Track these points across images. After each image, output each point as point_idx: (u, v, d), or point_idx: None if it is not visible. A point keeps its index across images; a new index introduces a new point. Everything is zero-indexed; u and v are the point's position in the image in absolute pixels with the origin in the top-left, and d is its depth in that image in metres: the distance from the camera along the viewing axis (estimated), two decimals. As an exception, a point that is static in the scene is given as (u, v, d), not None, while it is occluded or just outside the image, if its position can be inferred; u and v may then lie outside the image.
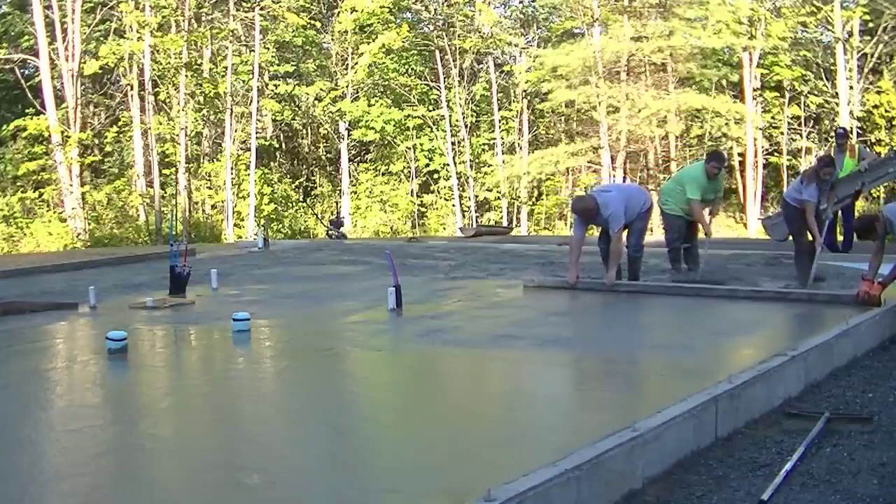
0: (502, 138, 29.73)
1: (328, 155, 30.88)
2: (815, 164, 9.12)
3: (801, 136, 26.96)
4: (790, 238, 9.43)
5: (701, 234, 9.43)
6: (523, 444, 3.84)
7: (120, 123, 26.12)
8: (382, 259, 10.57)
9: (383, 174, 29.16)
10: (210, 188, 26.06)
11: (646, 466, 3.54)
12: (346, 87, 28.26)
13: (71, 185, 23.13)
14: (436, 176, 29.48)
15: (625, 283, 8.75)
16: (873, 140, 24.56)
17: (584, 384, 5.26)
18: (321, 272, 11.35)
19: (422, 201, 28.93)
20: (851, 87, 25.16)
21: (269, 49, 27.55)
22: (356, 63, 27.90)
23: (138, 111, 24.91)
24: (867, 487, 3.53)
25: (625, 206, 8.70)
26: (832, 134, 18.78)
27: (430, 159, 29.23)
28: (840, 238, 12.12)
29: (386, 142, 29.10)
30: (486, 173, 29.35)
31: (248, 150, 26.06)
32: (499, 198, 28.93)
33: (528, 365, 5.61)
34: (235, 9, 26.25)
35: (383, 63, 28.11)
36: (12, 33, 26.40)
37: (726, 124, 26.24)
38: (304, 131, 30.81)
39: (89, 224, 22.95)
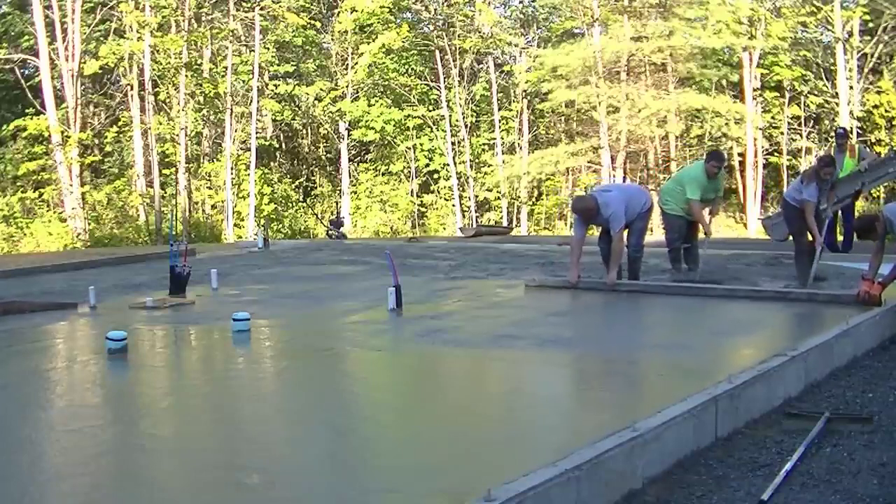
0: (502, 138, 29.73)
1: (328, 155, 30.88)
2: (816, 164, 9.12)
3: (801, 136, 26.96)
4: (790, 238, 9.44)
5: (701, 234, 9.44)
6: (523, 444, 3.84)
7: (120, 123, 26.13)
8: (382, 259, 10.57)
9: (383, 174, 29.16)
10: (210, 188, 26.06)
11: (646, 466, 3.54)
12: (346, 87, 28.27)
13: (71, 185, 23.13)
14: (436, 176, 29.48)
15: (626, 283, 8.75)
16: (873, 140, 24.56)
17: (584, 384, 5.26)
18: (321, 272, 11.35)
19: (422, 201, 28.93)
20: (851, 87, 25.16)
21: (269, 49, 27.55)
22: (356, 63, 27.90)
23: (138, 111, 24.92)
24: (867, 487, 3.53)
25: (625, 206, 8.70)
26: (832, 134, 18.77)
27: (430, 159, 29.24)
28: (840, 238, 12.12)
29: (386, 142, 29.10)
30: (486, 173, 29.35)
31: (248, 150, 26.06)
32: (499, 198, 28.93)
33: (528, 365, 5.61)
34: (235, 9, 26.25)
35: (383, 63, 28.11)
36: (12, 33, 26.40)
37: (726, 124, 26.25)
38: (304, 131, 30.81)
39: (89, 224, 22.96)
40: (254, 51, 26.25)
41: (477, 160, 29.65)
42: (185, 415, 4.62)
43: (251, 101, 26.08)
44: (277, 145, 30.14)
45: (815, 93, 26.10)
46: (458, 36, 28.38)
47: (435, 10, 29.73)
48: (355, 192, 28.73)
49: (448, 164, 28.60)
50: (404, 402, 4.96)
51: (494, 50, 29.83)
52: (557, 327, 6.94)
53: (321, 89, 28.08)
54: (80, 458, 3.77)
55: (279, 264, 12.52)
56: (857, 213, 12.29)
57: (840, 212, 11.49)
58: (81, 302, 8.53)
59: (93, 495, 3.33)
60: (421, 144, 29.01)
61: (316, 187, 29.85)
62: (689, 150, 28.41)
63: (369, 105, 28.25)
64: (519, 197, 28.95)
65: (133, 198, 24.65)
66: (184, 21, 25.12)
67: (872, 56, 24.87)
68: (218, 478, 3.47)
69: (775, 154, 27.97)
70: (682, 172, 10.46)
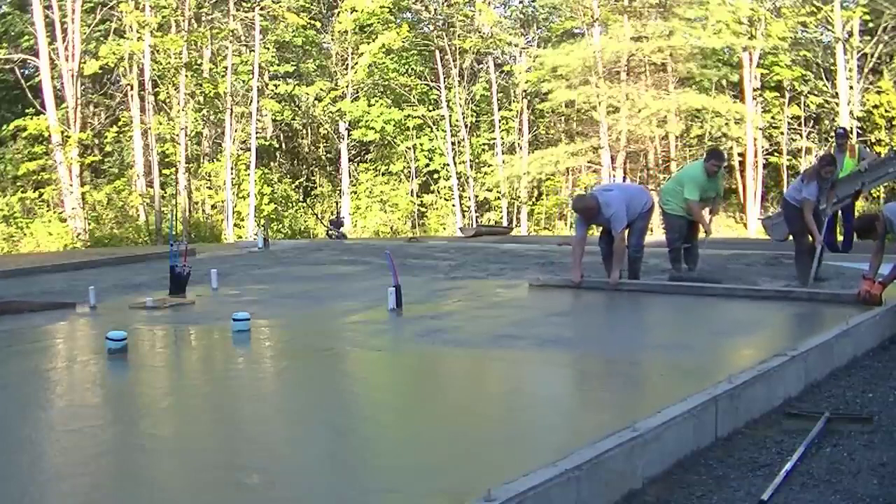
0: (502, 138, 29.73)
1: (328, 155, 30.88)
2: (817, 163, 9.13)
3: (801, 136, 26.97)
4: (790, 238, 9.44)
5: (701, 234, 9.44)
6: (523, 444, 3.84)
7: (120, 123, 26.13)
8: (382, 259, 10.57)
9: (383, 174, 29.17)
10: (210, 188, 26.06)
11: (646, 466, 3.54)
12: (346, 87, 28.27)
13: (71, 185, 23.13)
14: (436, 176, 29.49)
15: (628, 283, 8.75)
16: (873, 140, 24.56)
17: (584, 384, 5.26)
18: (321, 272, 11.35)
19: (422, 201, 28.93)
20: (851, 87, 25.16)
21: (269, 49, 27.55)
22: (356, 63, 27.90)
23: (138, 111, 24.92)
24: (867, 487, 3.53)
25: (626, 206, 8.69)
26: (832, 134, 18.78)
27: (430, 159, 29.24)
28: (840, 238, 12.12)
29: (386, 142, 29.10)
30: (486, 173, 29.36)
31: (248, 150, 26.06)
32: (499, 198, 28.94)
33: (528, 365, 5.61)
34: (235, 9, 26.25)
35: (383, 63, 28.11)
36: (12, 33, 26.41)
37: (726, 124, 26.25)
38: (304, 131, 30.81)
39: (89, 224, 22.96)
40: (254, 51, 26.25)
41: (477, 160, 29.65)
42: (185, 415, 4.62)
43: (251, 101, 26.08)
44: (277, 145, 30.14)
45: (815, 93, 26.10)
46: (458, 36, 28.39)
47: (435, 10, 29.73)
48: (355, 192, 28.73)
49: (448, 164, 28.60)
50: (404, 402, 4.96)
51: (494, 50, 29.83)
52: (558, 327, 6.94)
53: (321, 89, 28.09)
54: (80, 458, 3.77)
55: (279, 264, 12.52)
56: (857, 213, 12.29)
57: (840, 212, 11.49)
58: (81, 302, 8.53)
59: (93, 495, 3.33)
60: (421, 144, 29.01)
61: (316, 187, 29.86)
62: (689, 150, 28.41)
63: (369, 105, 28.26)
64: (519, 197, 28.96)
65: (133, 198, 24.66)
66: (184, 21, 25.12)
67: (872, 56, 24.87)
68: (218, 478, 3.47)
69: (775, 154, 27.98)
70: (682, 172, 10.46)
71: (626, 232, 8.84)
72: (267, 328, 7.15)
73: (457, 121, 28.66)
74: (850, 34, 25.43)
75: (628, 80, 26.93)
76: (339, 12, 28.08)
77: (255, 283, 10.24)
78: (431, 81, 29.57)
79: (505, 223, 27.16)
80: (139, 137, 24.79)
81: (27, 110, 24.25)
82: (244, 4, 26.86)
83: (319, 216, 26.86)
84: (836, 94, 25.28)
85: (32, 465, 3.64)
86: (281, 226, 26.08)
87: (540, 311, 7.67)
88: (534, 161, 27.65)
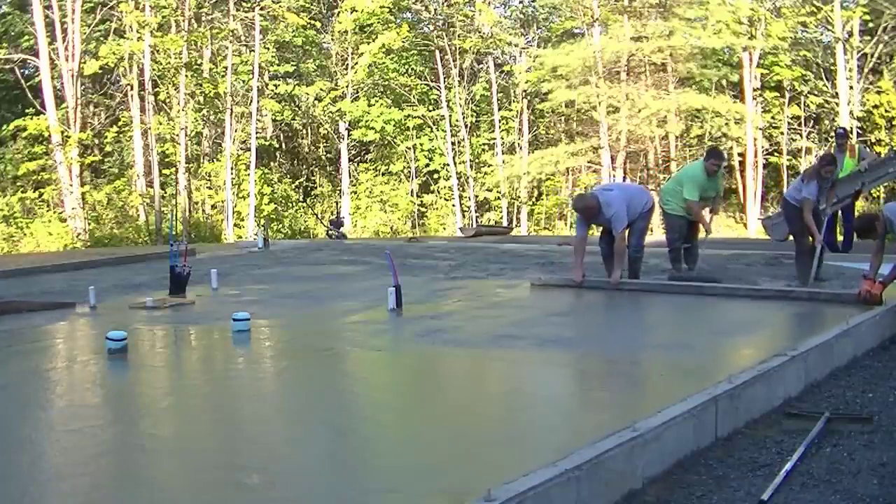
0: (502, 138, 29.73)
1: (328, 155, 30.89)
2: (817, 163, 9.13)
3: (801, 136, 26.97)
4: (790, 238, 9.43)
5: (701, 234, 9.44)
6: (523, 444, 3.84)
7: (120, 123, 26.13)
8: (382, 259, 10.57)
9: (383, 174, 29.17)
10: (210, 188, 26.06)
11: (646, 466, 3.54)
12: (346, 87, 28.27)
13: (71, 185, 23.13)
14: (436, 176, 29.49)
15: (628, 282, 8.75)
16: (873, 140, 24.57)
17: (584, 384, 5.25)
18: (321, 272, 11.34)
19: (422, 201, 28.93)
20: (851, 87, 25.16)
21: (269, 49, 27.55)
22: (356, 63, 27.90)
23: (138, 111, 24.92)
24: (867, 487, 3.53)
25: (627, 206, 8.68)
26: (832, 134, 18.78)
27: (430, 159, 29.25)
28: (840, 238, 12.12)
29: (386, 142, 29.10)
30: (486, 173, 29.36)
31: (248, 150, 26.07)
32: (499, 198, 28.94)
33: (528, 365, 5.61)
34: (235, 9, 26.25)
35: (383, 63, 28.12)
36: (12, 33, 26.41)
37: (726, 124, 26.25)
38: (304, 131, 30.81)
39: (89, 224, 22.96)
40: (254, 51, 26.25)
41: (477, 160, 29.66)
42: (185, 415, 4.62)
43: (251, 101, 26.08)
44: (277, 145, 30.14)
45: (815, 93, 26.10)
46: (458, 36, 28.39)
47: (435, 10, 29.74)
48: (355, 192, 28.73)
49: (448, 164, 28.60)
50: (404, 402, 4.96)
51: (494, 50, 29.84)
52: (558, 327, 6.94)
53: (321, 89, 28.09)
54: (80, 458, 3.77)
55: (279, 264, 12.52)
56: (857, 213, 12.29)
57: (840, 212, 11.49)
58: (81, 302, 8.53)
59: (93, 495, 3.33)
60: (421, 144, 29.01)
61: (316, 187, 29.86)
62: (689, 150, 28.41)
63: (369, 105, 28.26)
64: (519, 197, 28.96)
65: (133, 198, 24.66)
66: (184, 21, 25.12)
67: (872, 56, 24.88)
68: (218, 478, 3.47)
69: (775, 154, 27.98)
70: (682, 172, 10.45)
71: (626, 232, 8.83)
72: (267, 328, 7.15)
73: (457, 121, 28.66)
74: (850, 34, 25.43)
75: (628, 80, 26.93)
76: (339, 12, 28.08)
77: (255, 283, 10.24)
78: (431, 81, 29.57)
79: (505, 223, 27.16)
80: (139, 137, 24.80)
81: (27, 110, 24.25)
82: (244, 4, 26.86)
83: (319, 216, 26.86)
84: (836, 94, 25.28)
85: (32, 465, 3.64)
86: (281, 226, 26.08)
87: (540, 310, 7.67)
88: (534, 161, 27.65)
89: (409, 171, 28.95)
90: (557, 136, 30.19)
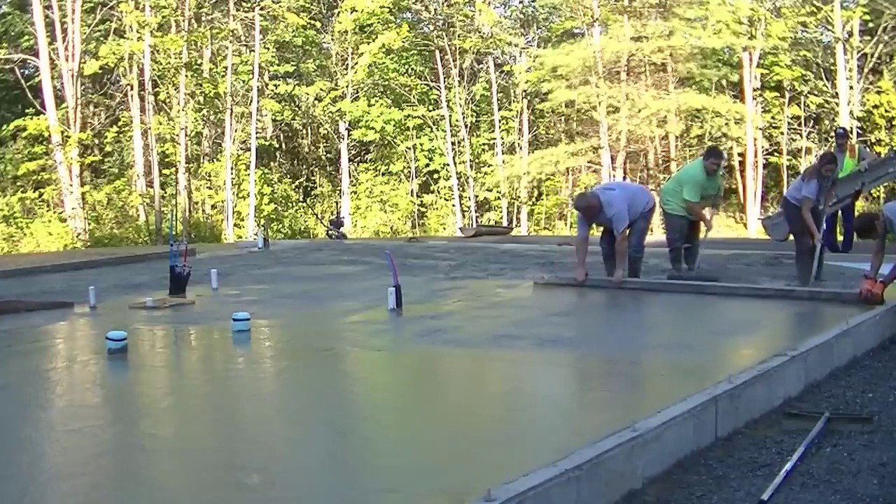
0: (502, 138, 29.74)
1: (328, 155, 30.89)
2: (817, 162, 9.12)
3: (801, 136, 26.97)
4: (790, 238, 9.43)
5: (702, 233, 9.44)
6: (523, 444, 3.84)
7: (120, 123, 26.14)
8: (382, 259, 10.57)
9: (383, 174, 29.17)
10: (210, 188, 26.06)
11: (646, 466, 3.54)
12: (346, 87, 28.27)
13: (71, 185, 23.14)
14: (436, 176, 29.49)
15: (631, 281, 8.75)
16: (873, 140, 24.57)
17: (585, 384, 5.25)
18: (321, 272, 11.34)
19: (422, 201, 28.93)
20: (851, 87, 25.16)
21: (269, 49, 27.55)
22: (356, 63, 27.91)
23: (138, 111, 24.92)
24: (867, 487, 3.53)
25: (628, 206, 8.67)
26: (832, 134, 18.78)
27: (430, 159, 29.25)
28: (840, 238, 12.12)
29: (386, 142, 29.11)
30: (486, 173, 29.36)
31: (248, 150, 26.07)
32: (499, 198, 28.94)
33: (528, 365, 5.61)
34: (235, 9, 26.25)
35: (383, 63, 28.12)
36: (12, 33, 26.41)
37: (726, 124, 26.25)
38: (304, 131, 30.81)
39: (89, 224, 22.96)
40: (254, 51, 26.25)
41: (477, 160, 29.66)
42: (185, 415, 4.62)
43: (251, 101, 26.09)
44: (277, 145, 30.14)
45: (815, 93, 26.10)
46: (458, 36, 28.39)
47: (435, 10, 29.74)
48: (355, 192, 28.73)
49: (448, 164, 28.60)
50: (404, 402, 4.96)
51: (494, 50, 29.83)
52: (558, 327, 6.93)
53: (321, 89, 28.09)
54: (80, 458, 3.77)
55: (279, 264, 12.52)
56: (857, 213, 12.29)
57: (840, 212, 11.48)
58: (81, 302, 8.52)
59: (93, 495, 3.33)
60: (421, 144, 29.02)
61: (316, 187, 29.86)
62: (689, 150, 28.41)
63: (369, 105, 28.26)
64: (519, 197, 28.96)
65: (133, 198, 24.66)
66: (184, 21, 25.12)
67: (872, 56, 24.87)
68: (218, 478, 3.47)
69: (775, 154, 27.98)
70: (682, 172, 10.45)
71: (627, 231, 8.83)
72: (267, 328, 7.15)
73: (457, 121, 28.66)
74: (850, 34, 25.43)
75: (628, 80, 26.93)
76: (339, 12, 28.08)
77: (255, 283, 10.24)
78: (431, 81, 29.57)
79: (505, 223, 27.16)
80: (139, 137, 24.80)
81: (27, 110, 24.25)
82: (244, 4, 26.86)
83: (319, 216, 26.87)
84: (836, 94, 25.28)
85: (32, 465, 3.64)
86: (281, 226, 26.08)
87: (540, 310, 7.67)
88: (534, 161, 27.65)
89: (409, 171, 28.95)
90: (557, 136, 30.20)
